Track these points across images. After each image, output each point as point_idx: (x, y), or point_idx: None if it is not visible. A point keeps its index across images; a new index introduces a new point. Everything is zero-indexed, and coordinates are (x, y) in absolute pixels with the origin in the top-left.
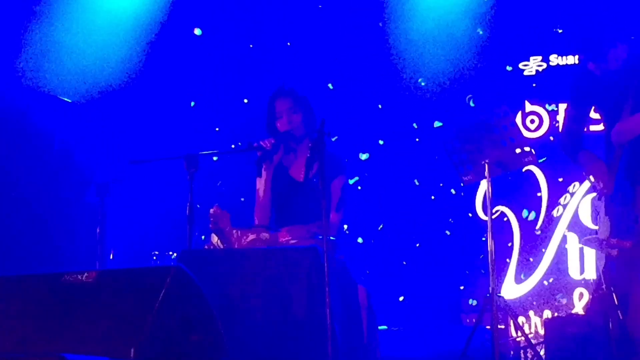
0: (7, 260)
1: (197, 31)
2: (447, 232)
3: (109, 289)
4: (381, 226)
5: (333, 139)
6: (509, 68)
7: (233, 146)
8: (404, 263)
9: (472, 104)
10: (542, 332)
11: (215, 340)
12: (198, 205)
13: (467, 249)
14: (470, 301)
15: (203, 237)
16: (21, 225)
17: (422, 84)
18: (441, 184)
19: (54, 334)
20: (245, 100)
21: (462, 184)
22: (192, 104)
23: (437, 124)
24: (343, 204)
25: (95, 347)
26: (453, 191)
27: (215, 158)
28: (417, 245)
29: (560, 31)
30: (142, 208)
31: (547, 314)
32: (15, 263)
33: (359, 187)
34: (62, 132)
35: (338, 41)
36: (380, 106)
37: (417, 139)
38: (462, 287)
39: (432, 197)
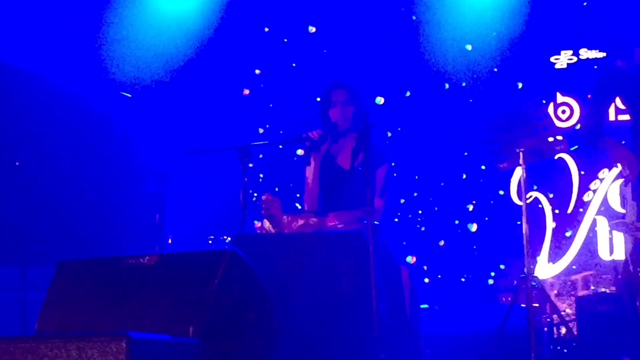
0: (74, 245)
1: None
2: (486, 219)
3: (169, 271)
4: (421, 211)
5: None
6: (542, 61)
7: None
8: (443, 244)
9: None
10: (573, 310)
11: (268, 319)
12: (251, 191)
13: (502, 232)
14: (507, 282)
15: (258, 222)
16: (86, 213)
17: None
18: (483, 166)
19: (119, 314)
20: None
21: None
22: (246, 91)
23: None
24: (386, 190)
25: (157, 326)
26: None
27: (260, 156)
28: (457, 221)
29: (589, 27)
30: (198, 196)
31: (579, 292)
32: (82, 248)
33: (395, 174)
34: (123, 125)
35: (374, 35)
36: (408, 93)
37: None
38: (502, 267)
39: (464, 176)
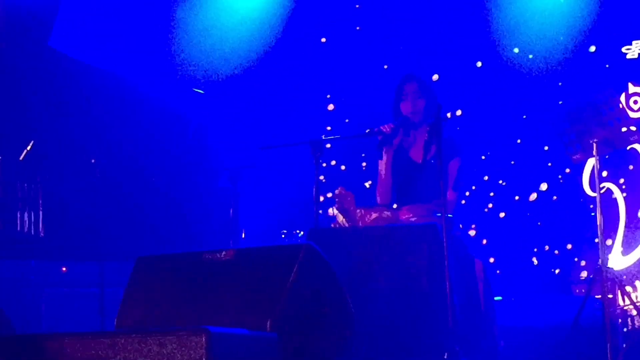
0: (150, 241)
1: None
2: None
3: (245, 266)
4: (491, 205)
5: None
6: (613, 51)
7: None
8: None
9: None
10: None
11: (345, 313)
12: (322, 177)
13: (576, 223)
14: (581, 273)
15: (332, 210)
16: (161, 209)
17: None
18: (549, 164)
19: (197, 309)
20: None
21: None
22: (328, 96)
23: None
24: (459, 183)
25: (234, 320)
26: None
27: (328, 145)
28: (528, 214)
29: None
30: (270, 191)
31: None
32: (157, 244)
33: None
34: (197, 121)
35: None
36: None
37: (524, 116)
38: (576, 259)
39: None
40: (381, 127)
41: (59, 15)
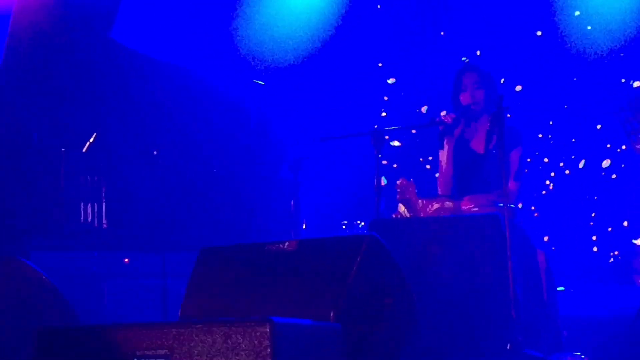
0: (212, 231)
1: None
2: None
3: (308, 256)
4: (545, 190)
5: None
6: None
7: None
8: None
9: None
10: None
11: (407, 303)
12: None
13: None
14: None
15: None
16: (224, 200)
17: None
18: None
19: (260, 299)
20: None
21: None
22: (391, 80)
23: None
24: (521, 173)
25: (297, 310)
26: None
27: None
28: (593, 215)
29: None
30: (330, 181)
31: None
32: (220, 234)
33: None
34: (258, 112)
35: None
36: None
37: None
38: None
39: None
40: (442, 117)
41: (124, 8)
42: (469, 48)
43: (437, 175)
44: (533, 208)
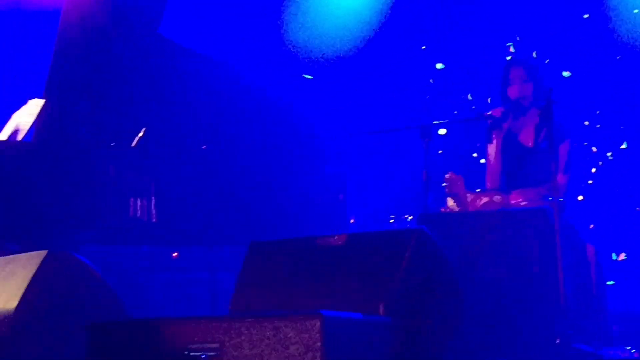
0: (260, 225)
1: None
2: None
3: (358, 250)
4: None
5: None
6: None
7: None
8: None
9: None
10: None
11: (456, 298)
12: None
13: None
14: None
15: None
16: (271, 194)
17: None
18: None
19: (309, 293)
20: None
21: None
22: (440, 65)
23: None
24: (570, 166)
25: (346, 304)
26: None
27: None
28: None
29: None
30: (378, 175)
31: None
32: (268, 228)
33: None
34: (304, 106)
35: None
36: None
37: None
38: None
39: None
40: (491, 111)
41: (169, 3)
42: (513, 32)
43: (483, 161)
44: (581, 198)
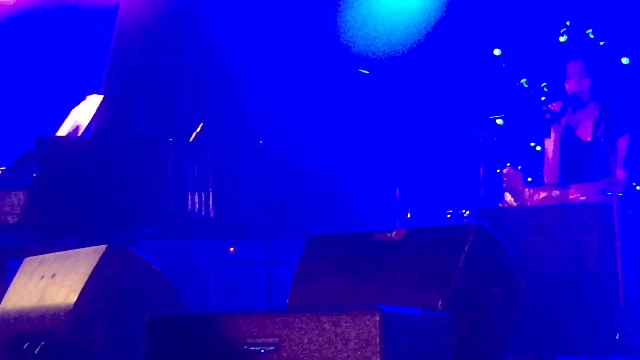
0: (317, 220)
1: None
2: None
3: (416, 245)
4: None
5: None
6: None
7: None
8: None
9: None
10: None
11: (515, 293)
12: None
13: None
14: None
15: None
16: (329, 189)
17: None
18: None
19: (367, 287)
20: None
21: None
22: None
23: None
24: (629, 161)
25: (405, 299)
26: None
27: (500, 122)
28: None
29: None
30: (434, 170)
31: None
32: (325, 223)
33: None
34: (363, 101)
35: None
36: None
37: None
38: None
39: None
40: (549, 105)
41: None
42: (565, 18)
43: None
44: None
